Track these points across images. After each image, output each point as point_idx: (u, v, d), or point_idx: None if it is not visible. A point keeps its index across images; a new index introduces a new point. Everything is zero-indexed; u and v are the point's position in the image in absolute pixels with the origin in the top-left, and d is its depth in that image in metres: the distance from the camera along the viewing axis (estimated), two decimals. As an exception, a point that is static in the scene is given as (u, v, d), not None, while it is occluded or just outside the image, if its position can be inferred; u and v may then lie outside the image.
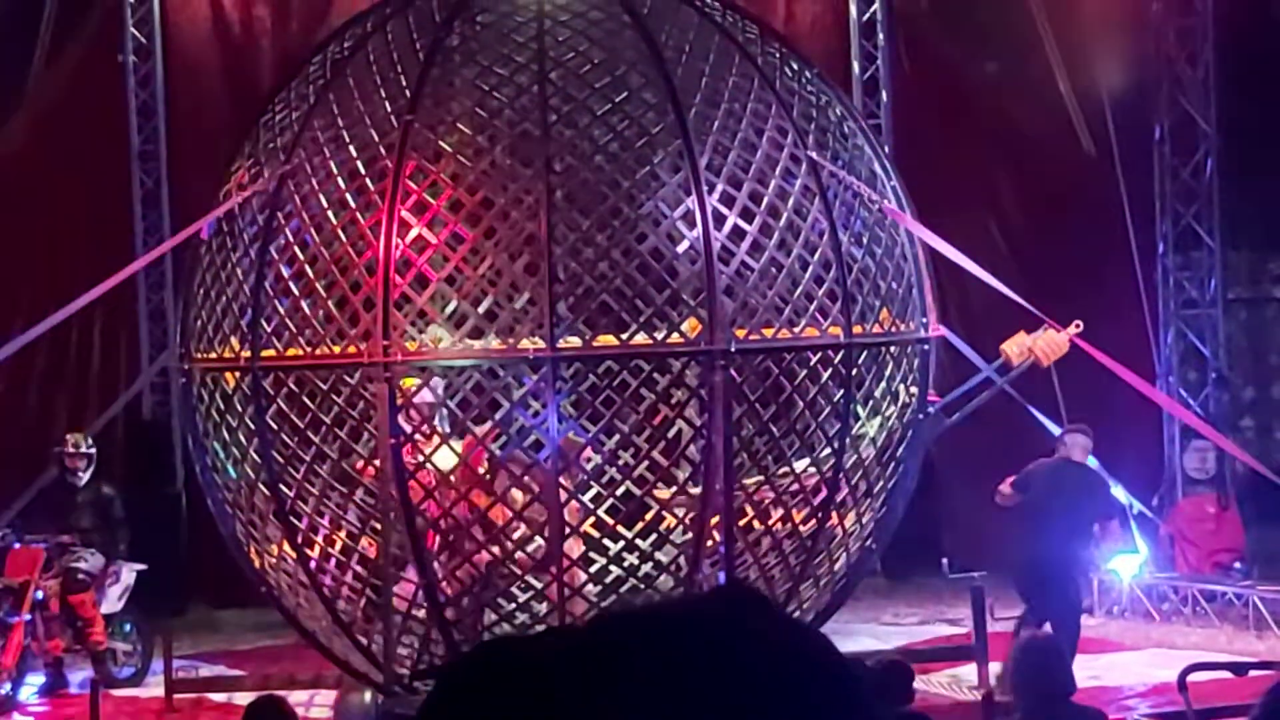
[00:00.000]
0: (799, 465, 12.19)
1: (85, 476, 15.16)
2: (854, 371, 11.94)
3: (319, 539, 12.41)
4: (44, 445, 16.18)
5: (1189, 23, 18.68)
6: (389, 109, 12.04)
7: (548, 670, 2.24)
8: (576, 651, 1.95)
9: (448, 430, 13.49)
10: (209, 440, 12.45)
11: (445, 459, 11.91)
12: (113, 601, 15.05)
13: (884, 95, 19.73)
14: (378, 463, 11.81)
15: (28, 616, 14.41)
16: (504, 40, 12.35)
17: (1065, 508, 13.11)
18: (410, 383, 12.00)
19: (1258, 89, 18.95)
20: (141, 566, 15.24)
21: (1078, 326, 12.95)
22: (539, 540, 12.37)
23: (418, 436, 11.92)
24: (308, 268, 11.90)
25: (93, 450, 15.29)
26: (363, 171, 11.99)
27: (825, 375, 12.00)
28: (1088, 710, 8.33)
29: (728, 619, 1.89)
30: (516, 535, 12.61)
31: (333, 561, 12.48)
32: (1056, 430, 13.51)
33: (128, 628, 15.21)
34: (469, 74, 12.41)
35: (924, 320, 12.65)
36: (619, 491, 13.05)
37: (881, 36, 19.73)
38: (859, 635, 14.88)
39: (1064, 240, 18.97)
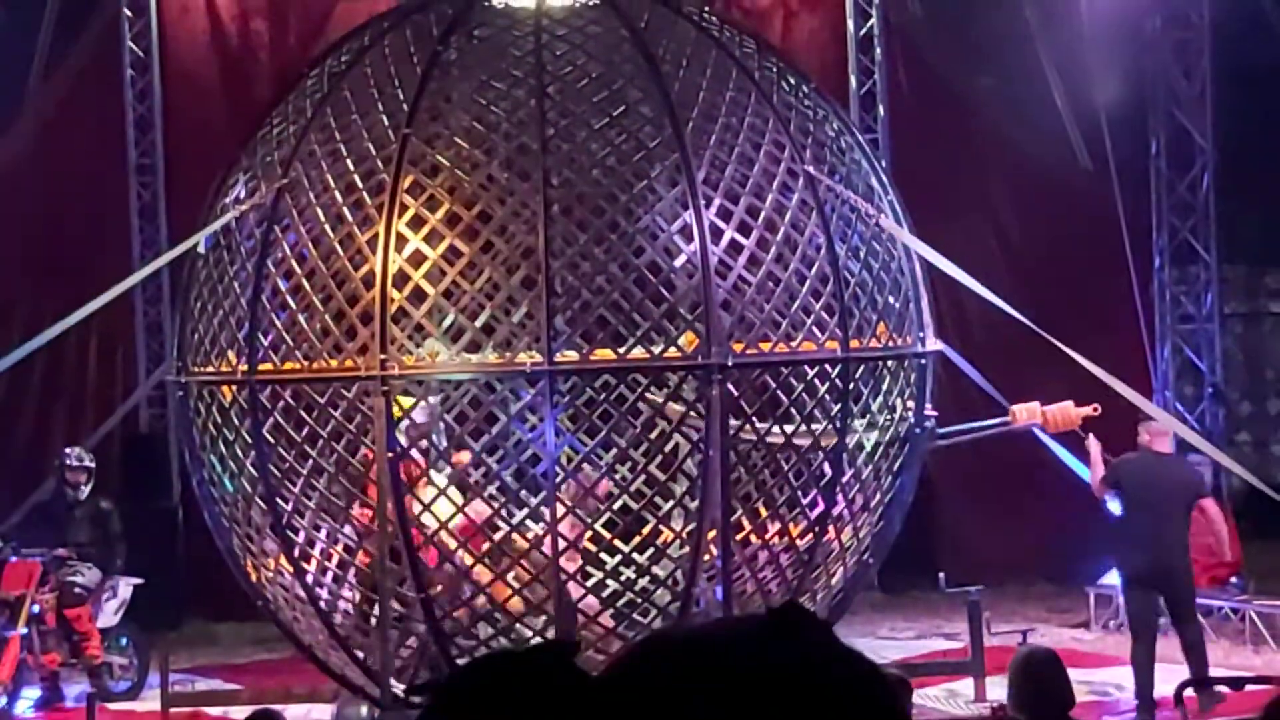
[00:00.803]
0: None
1: (86, 490, 15.17)
2: (851, 385, 11.94)
3: (316, 552, 12.41)
4: (41, 458, 16.18)
5: (1186, 38, 18.73)
6: (386, 123, 12.04)
7: (544, 684, 2.23)
8: (611, 677, 1.95)
9: (444, 444, 13.50)
10: (206, 454, 12.44)
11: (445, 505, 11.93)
12: (109, 615, 15.05)
13: (881, 110, 19.76)
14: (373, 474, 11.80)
15: (24, 630, 14.39)
16: (501, 54, 12.36)
17: (1172, 500, 13.23)
18: (405, 403, 11.99)
19: (1254, 104, 18.99)
20: (138, 580, 15.24)
21: (1095, 410, 13.08)
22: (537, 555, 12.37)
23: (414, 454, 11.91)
24: (305, 281, 11.89)
25: (93, 464, 15.30)
26: (360, 185, 11.99)
27: (822, 389, 12.00)
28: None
29: (776, 642, 1.89)
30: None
31: (329, 575, 12.48)
32: (1084, 471, 13.61)
33: (124, 641, 15.21)
34: (466, 88, 12.42)
35: (921, 335, 12.66)
36: (615, 505, 13.05)
37: (879, 51, 19.77)
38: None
39: (1061, 255, 19.00)
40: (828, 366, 11.93)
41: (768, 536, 12.29)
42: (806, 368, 12.04)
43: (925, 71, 19.76)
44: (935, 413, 13.50)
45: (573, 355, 12.21)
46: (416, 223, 11.87)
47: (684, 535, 12.28)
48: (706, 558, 11.88)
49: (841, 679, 1.89)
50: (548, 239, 11.69)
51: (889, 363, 12.35)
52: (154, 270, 16.16)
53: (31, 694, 14.67)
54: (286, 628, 12.63)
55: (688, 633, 1.97)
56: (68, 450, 15.39)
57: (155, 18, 19.21)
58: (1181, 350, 19.01)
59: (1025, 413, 13.26)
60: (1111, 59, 18.44)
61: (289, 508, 12.07)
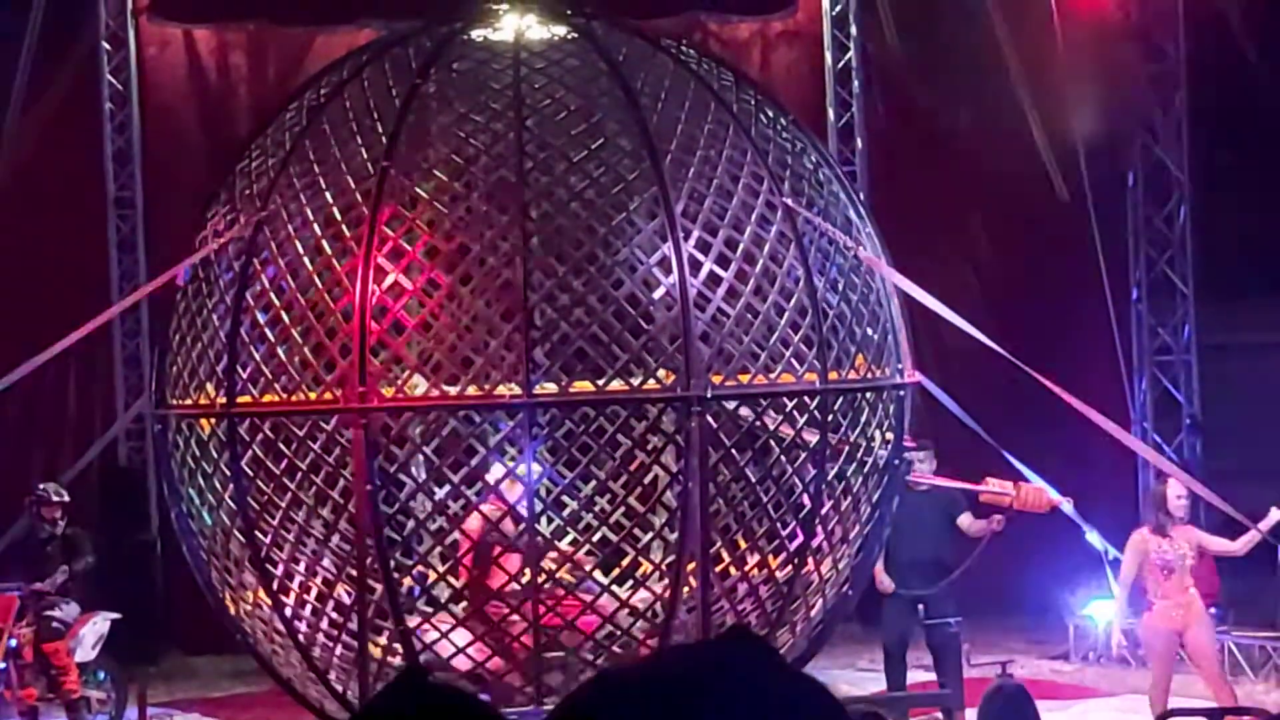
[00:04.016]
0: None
1: (62, 525, 15.12)
2: (830, 417, 11.95)
3: (294, 586, 12.37)
4: (18, 493, 16.12)
5: (1162, 70, 18.81)
6: (365, 155, 12.04)
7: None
8: (565, 713, 1.95)
9: (423, 477, 13.47)
10: (184, 487, 12.41)
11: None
12: (87, 649, 14.99)
13: (859, 142, 19.82)
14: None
15: (1, 665, 14.34)
16: (480, 87, 12.38)
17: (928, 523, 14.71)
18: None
19: (1230, 136, 19.08)
20: (116, 615, 15.18)
21: (1069, 501, 13.47)
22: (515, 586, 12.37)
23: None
24: (284, 314, 11.88)
25: (67, 498, 15.25)
26: (339, 218, 11.99)
27: (801, 421, 12.00)
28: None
29: (730, 668, 1.89)
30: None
31: (308, 608, 12.44)
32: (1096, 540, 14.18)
33: (102, 676, 15.15)
34: (445, 121, 12.43)
35: (899, 366, 12.67)
36: (595, 537, 13.04)
37: (856, 84, 19.83)
38: (835, 681, 14.86)
39: (1039, 286, 19.05)
40: (806, 398, 11.94)
41: (747, 569, 12.29)
42: (786, 399, 12.05)
43: (903, 104, 19.83)
44: (914, 444, 13.54)
45: (552, 388, 12.22)
46: (396, 255, 11.88)
47: (663, 567, 12.27)
48: (686, 590, 11.88)
49: (793, 704, 1.90)
50: (527, 271, 11.71)
51: (867, 394, 12.36)
52: (132, 303, 16.15)
53: (9, 729, 14.63)
54: (265, 661, 12.60)
55: (639, 666, 1.97)
56: (42, 486, 15.33)
57: (134, 51, 19.23)
58: (1159, 382, 19.05)
59: (998, 486, 13.64)
60: (1088, 92, 18.51)
61: (267, 540, 12.04)
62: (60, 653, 14.65)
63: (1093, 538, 15.02)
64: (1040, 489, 13.69)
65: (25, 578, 14.78)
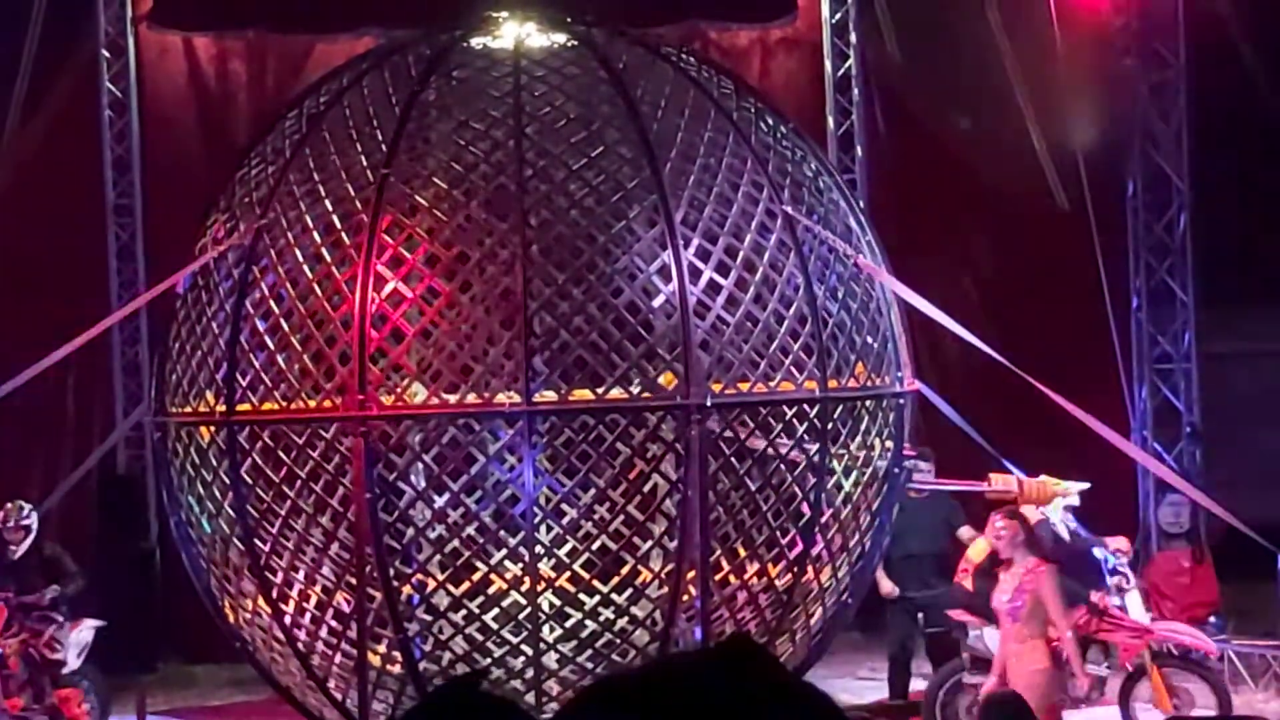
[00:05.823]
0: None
1: (20, 550, 14.96)
2: (829, 426, 11.94)
3: (294, 594, 12.37)
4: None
5: (1162, 78, 18.81)
6: (365, 163, 12.04)
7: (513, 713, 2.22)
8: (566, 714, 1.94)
9: (422, 484, 13.47)
10: (183, 494, 12.41)
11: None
12: (70, 658, 14.93)
13: (859, 150, 19.81)
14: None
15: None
16: (480, 95, 12.37)
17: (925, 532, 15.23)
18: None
19: (1230, 144, 19.08)
20: (99, 623, 15.08)
21: (1068, 492, 13.51)
22: (515, 596, 12.36)
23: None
24: (283, 321, 11.88)
25: (29, 521, 15.05)
26: (338, 225, 11.99)
27: (801, 429, 11.99)
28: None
29: (727, 675, 1.88)
30: (491, 590, 12.60)
31: (307, 616, 12.43)
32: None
33: (85, 685, 15.09)
34: (445, 128, 12.42)
35: (899, 375, 12.67)
36: (594, 546, 13.02)
37: (856, 92, 19.83)
38: (834, 690, 14.84)
39: (1038, 294, 19.04)
40: (806, 406, 11.93)
41: (746, 577, 12.27)
42: (785, 408, 12.04)
43: (902, 112, 19.82)
44: (914, 453, 13.52)
45: (551, 396, 12.20)
46: (395, 263, 11.87)
47: (663, 575, 12.26)
48: (685, 598, 11.87)
49: (793, 713, 1.89)
50: (526, 279, 11.70)
51: (867, 403, 12.35)
52: (132, 310, 16.14)
53: (-4, 737, 14.59)
54: (264, 669, 12.59)
55: (638, 674, 1.96)
56: (9, 505, 15.19)
57: (133, 59, 19.23)
58: (1159, 390, 19.04)
59: (1002, 483, 13.58)
60: (1088, 100, 18.51)
61: (266, 548, 12.03)
62: (72, 702, 14.58)
63: (1097, 551, 15.01)
64: (1044, 482, 13.62)
65: (12, 590, 14.71)
